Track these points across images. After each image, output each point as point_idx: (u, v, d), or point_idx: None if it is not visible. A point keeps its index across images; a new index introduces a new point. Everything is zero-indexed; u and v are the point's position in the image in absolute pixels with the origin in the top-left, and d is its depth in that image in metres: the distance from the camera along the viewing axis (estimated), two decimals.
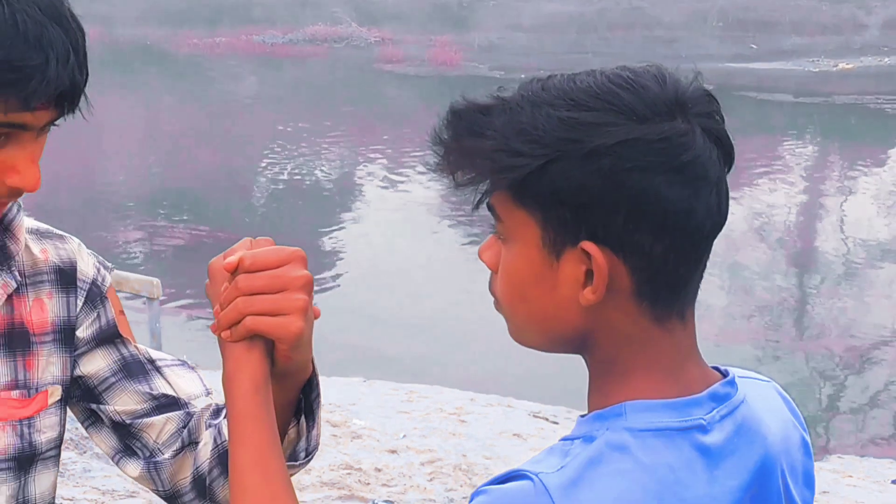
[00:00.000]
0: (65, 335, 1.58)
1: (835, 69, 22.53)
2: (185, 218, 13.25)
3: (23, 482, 1.55)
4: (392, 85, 21.47)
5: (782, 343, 8.45)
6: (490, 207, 1.23)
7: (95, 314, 1.61)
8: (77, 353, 1.59)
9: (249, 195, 14.41)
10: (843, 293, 10.03)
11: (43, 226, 1.61)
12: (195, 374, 1.65)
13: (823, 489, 5.68)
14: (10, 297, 1.53)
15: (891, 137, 16.93)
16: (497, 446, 6.09)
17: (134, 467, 1.61)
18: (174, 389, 1.62)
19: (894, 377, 8.22)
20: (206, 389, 1.64)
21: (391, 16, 27.91)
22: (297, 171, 15.29)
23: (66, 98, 1.37)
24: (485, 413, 6.77)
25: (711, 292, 9.20)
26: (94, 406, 1.61)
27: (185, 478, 1.58)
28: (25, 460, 1.54)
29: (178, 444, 1.59)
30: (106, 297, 1.63)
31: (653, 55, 22.28)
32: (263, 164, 15.41)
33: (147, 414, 1.60)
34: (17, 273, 1.54)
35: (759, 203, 12.82)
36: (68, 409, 1.62)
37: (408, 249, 11.38)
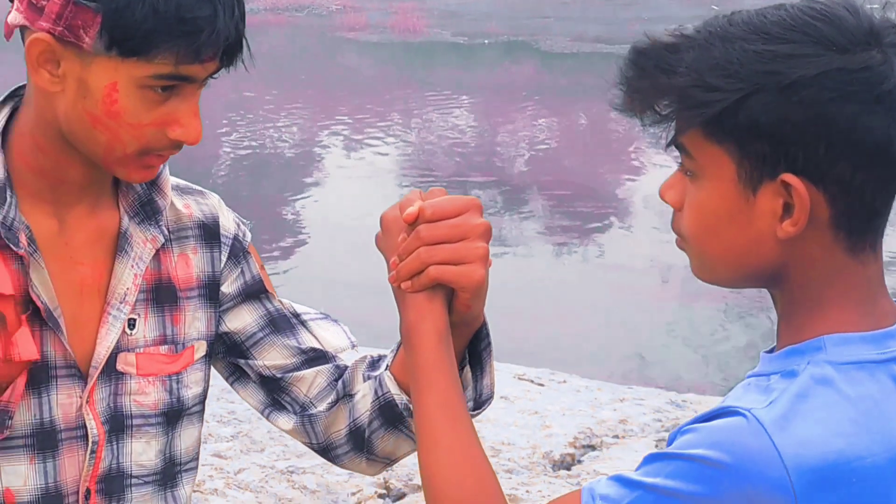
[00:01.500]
0: (209, 291, 1.58)
1: None
2: None
3: (171, 437, 1.56)
4: (355, 53, 21.42)
5: (746, 302, 8.56)
6: (679, 145, 1.22)
7: (239, 270, 1.61)
8: (222, 308, 1.60)
9: (213, 165, 14.40)
10: None
11: (182, 182, 1.62)
12: (339, 328, 1.66)
13: None
14: (157, 252, 1.54)
15: None
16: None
17: (286, 420, 1.61)
18: (321, 343, 1.63)
19: None
20: (352, 342, 1.65)
21: None
22: (260, 139, 15.27)
23: (231, 50, 1.40)
24: None
25: (673, 253, 9.28)
26: (240, 361, 1.62)
27: (340, 430, 1.59)
28: (174, 415, 1.56)
29: (332, 397, 1.59)
30: (249, 252, 1.63)
31: (613, 18, 22.32)
32: (226, 134, 15.38)
33: (296, 368, 1.61)
34: (164, 228, 1.54)
35: None
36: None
37: (374, 216, 11.45)
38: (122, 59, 1.36)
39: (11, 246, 1.43)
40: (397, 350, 1.56)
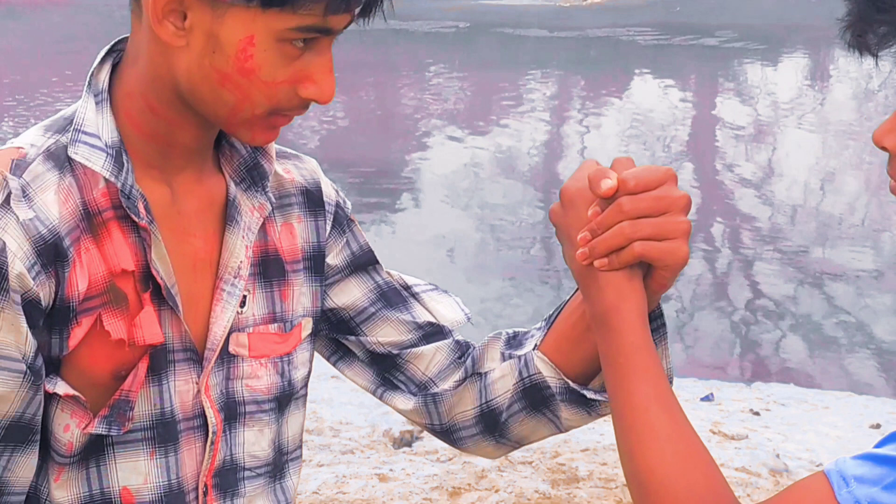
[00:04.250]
0: (314, 263, 1.45)
1: (584, 3, 23.14)
2: None
3: (280, 423, 1.43)
4: None
5: (535, 274, 8.72)
6: None
7: (344, 240, 1.49)
8: (328, 282, 1.47)
9: None
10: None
11: (275, 144, 1.45)
12: (452, 299, 1.55)
13: None
14: (262, 221, 1.40)
15: (639, 66, 17.48)
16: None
17: (404, 401, 1.49)
18: (435, 317, 1.51)
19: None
20: (466, 314, 1.54)
21: None
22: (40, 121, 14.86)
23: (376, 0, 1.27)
24: None
25: (463, 229, 9.39)
26: (348, 339, 1.49)
27: (467, 411, 1.48)
28: (285, 400, 1.43)
29: (458, 375, 1.47)
30: (352, 221, 1.50)
31: None
32: (5, 120, 14.93)
33: (414, 344, 1.49)
34: (270, 194, 1.40)
35: (508, 137, 13.10)
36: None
37: None
38: (263, 10, 1.21)
39: (132, 216, 1.28)
40: (547, 329, 1.45)
